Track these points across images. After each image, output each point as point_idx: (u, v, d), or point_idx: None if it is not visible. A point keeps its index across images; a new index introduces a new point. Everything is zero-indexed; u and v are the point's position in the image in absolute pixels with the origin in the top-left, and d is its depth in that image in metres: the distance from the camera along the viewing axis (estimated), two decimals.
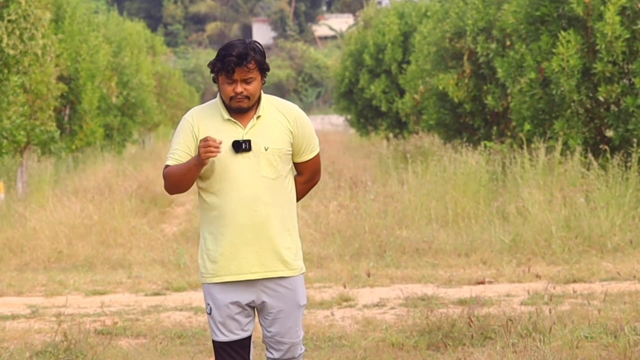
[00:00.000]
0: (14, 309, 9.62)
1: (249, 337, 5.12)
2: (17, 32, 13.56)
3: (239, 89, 5.00)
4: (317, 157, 5.22)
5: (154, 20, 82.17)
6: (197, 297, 10.06)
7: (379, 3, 38.39)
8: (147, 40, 36.31)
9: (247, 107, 5.04)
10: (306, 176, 5.24)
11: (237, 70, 4.97)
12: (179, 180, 5.04)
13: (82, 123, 21.33)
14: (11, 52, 13.49)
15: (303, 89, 72.90)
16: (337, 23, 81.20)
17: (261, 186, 5.03)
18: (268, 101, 5.14)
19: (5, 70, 13.74)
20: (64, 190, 17.41)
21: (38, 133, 17.32)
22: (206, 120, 5.07)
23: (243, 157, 5.03)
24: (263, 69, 5.04)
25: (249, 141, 5.02)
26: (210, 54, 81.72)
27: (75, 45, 20.65)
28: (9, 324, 8.94)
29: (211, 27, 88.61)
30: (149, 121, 31.77)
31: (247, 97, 5.01)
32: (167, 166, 5.08)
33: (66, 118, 21.21)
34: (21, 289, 10.69)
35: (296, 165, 5.20)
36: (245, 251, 5.04)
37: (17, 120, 14.69)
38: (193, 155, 5.04)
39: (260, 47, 5.06)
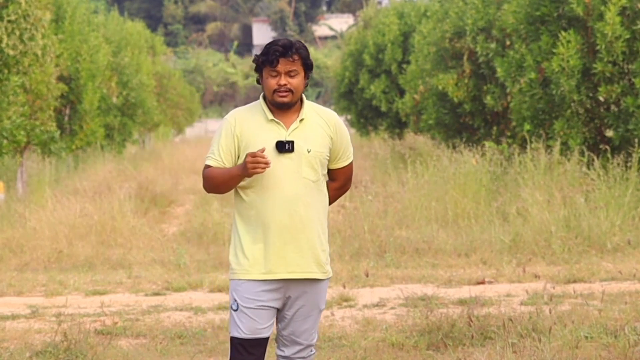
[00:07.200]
0: (14, 309, 9.61)
1: (267, 338, 5.12)
2: (17, 33, 13.56)
3: (283, 81, 5.02)
4: (351, 164, 5.29)
5: (154, 20, 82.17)
6: (197, 297, 10.06)
7: (379, 3, 38.36)
8: (147, 40, 36.29)
9: (289, 103, 5.05)
10: (339, 182, 5.28)
11: (281, 61, 5.00)
12: (220, 185, 5.09)
13: (82, 123, 21.33)
14: (11, 52, 13.49)
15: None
16: (337, 23, 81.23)
17: (301, 187, 5.07)
18: (310, 106, 5.18)
19: (5, 71, 13.74)
20: (64, 191, 17.39)
21: (38, 133, 17.32)
22: (248, 122, 5.09)
23: (285, 157, 5.05)
24: (307, 65, 5.07)
25: (293, 142, 5.05)
26: (210, 54, 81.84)
27: (76, 45, 20.65)
28: (9, 324, 8.94)
29: (211, 27, 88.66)
30: (149, 121, 31.77)
31: (291, 91, 5.03)
32: (207, 166, 5.11)
33: (66, 118, 21.21)
34: (21, 289, 10.68)
35: (331, 171, 5.24)
36: (282, 251, 5.05)
37: (17, 120, 14.69)
38: (233, 156, 5.08)
39: (304, 45, 5.12)
